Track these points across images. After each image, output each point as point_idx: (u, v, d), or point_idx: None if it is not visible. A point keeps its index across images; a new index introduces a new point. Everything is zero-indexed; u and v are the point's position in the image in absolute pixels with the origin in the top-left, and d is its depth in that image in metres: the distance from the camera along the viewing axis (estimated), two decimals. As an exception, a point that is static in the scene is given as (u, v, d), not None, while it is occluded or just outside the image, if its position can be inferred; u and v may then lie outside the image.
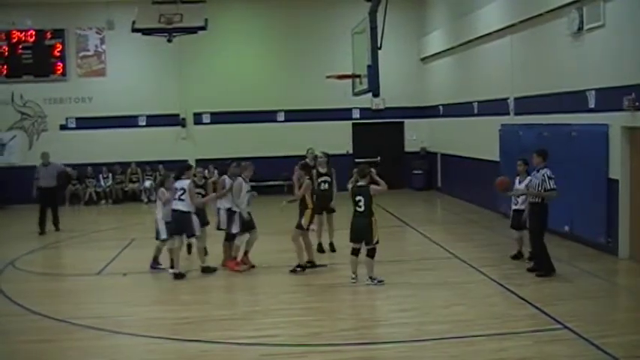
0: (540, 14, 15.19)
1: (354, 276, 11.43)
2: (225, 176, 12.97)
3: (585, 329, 8.54)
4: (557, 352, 7.97)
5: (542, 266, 11.46)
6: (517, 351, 8.02)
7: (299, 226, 12.15)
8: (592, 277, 11.29)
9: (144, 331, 9.24)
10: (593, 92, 13.22)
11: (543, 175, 11.40)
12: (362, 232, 11.18)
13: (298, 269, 12.19)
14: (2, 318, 10.04)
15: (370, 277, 11.31)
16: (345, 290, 11.23)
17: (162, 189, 12.83)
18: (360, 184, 11.26)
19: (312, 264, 12.41)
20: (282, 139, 24.01)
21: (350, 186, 11.42)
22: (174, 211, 12.36)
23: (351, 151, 25.24)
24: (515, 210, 12.75)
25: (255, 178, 23.75)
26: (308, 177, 12.36)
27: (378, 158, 25.11)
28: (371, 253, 11.26)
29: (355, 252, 11.38)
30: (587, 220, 13.27)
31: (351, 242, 11.38)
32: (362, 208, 11.10)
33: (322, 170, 14.23)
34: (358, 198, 11.13)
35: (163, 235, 12.66)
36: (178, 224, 12.34)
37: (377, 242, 11.24)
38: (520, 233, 12.70)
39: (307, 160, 14.64)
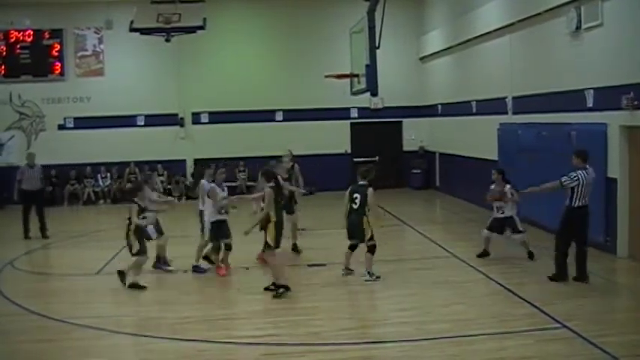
0: (539, 13, 15.19)
1: (344, 267, 11.81)
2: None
3: (584, 328, 8.56)
4: (556, 351, 7.98)
5: (556, 270, 11.06)
6: (517, 350, 8.03)
7: (267, 246, 10.77)
8: (591, 276, 11.26)
9: (143, 330, 9.25)
10: (592, 91, 13.23)
11: (570, 174, 10.87)
12: (354, 230, 11.54)
13: (281, 290, 10.73)
14: (1, 318, 10.04)
15: (368, 272, 11.52)
16: (344, 290, 11.25)
17: (212, 185, 12.26)
18: (360, 182, 11.59)
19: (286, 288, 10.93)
20: (280, 139, 23.92)
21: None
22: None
23: (349, 151, 25.24)
24: (495, 218, 12.90)
25: (254, 177, 23.78)
26: (270, 185, 10.80)
27: (377, 158, 25.15)
28: (370, 250, 11.52)
29: (352, 247, 11.73)
30: (586, 219, 13.27)
31: (348, 239, 11.73)
32: (357, 205, 11.41)
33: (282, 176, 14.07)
34: (355, 195, 11.46)
35: (207, 237, 12.39)
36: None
37: (371, 239, 11.48)
38: (489, 234, 12.91)
39: (284, 162, 14.52)
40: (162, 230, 12.81)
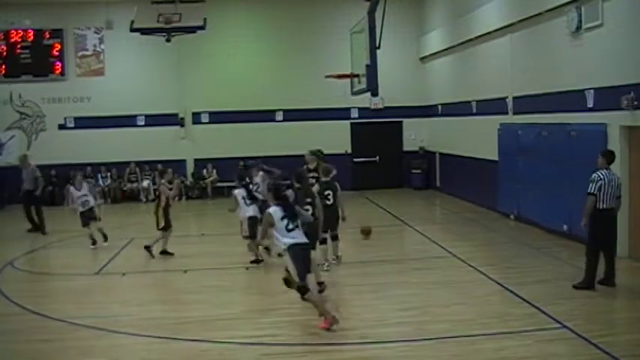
0: (539, 13, 15.20)
1: (327, 264, 12.31)
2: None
3: (584, 328, 8.56)
4: (556, 351, 7.98)
5: (585, 277, 10.65)
6: (517, 350, 8.03)
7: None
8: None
9: (143, 330, 9.23)
10: (592, 91, 13.23)
11: (591, 178, 10.61)
12: (331, 223, 12.25)
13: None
14: (1, 318, 10.05)
15: (336, 256, 12.79)
16: (344, 290, 11.25)
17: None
18: (324, 179, 12.45)
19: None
20: (280, 139, 24.01)
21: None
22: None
23: (349, 151, 25.24)
24: (249, 217, 13.07)
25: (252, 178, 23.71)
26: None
27: (377, 158, 25.20)
28: (336, 237, 12.70)
29: (325, 241, 12.32)
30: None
31: (323, 232, 12.10)
32: (330, 201, 12.24)
33: None
34: (327, 192, 12.27)
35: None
36: None
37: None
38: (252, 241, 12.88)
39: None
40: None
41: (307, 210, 10.70)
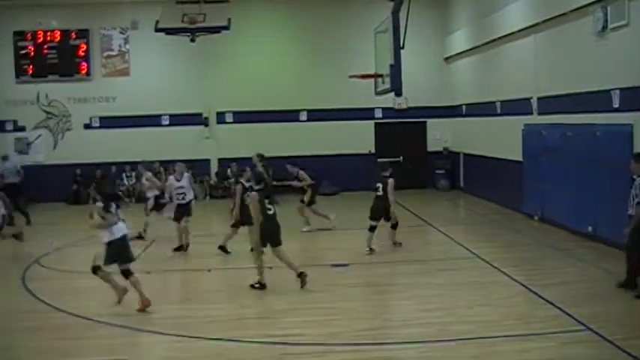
0: (564, 13, 15.09)
1: (368, 249, 13.70)
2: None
3: (609, 331, 8.45)
4: (580, 353, 7.92)
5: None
6: (540, 352, 7.97)
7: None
8: (616, 278, 11.14)
9: (168, 329, 9.28)
10: (618, 92, 13.11)
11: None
12: (379, 212, 13.75)
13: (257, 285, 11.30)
14: (29, 315, 10.17)
15: (394, 243, 14.26)
16: (367, 290, 11.25)
17: None
18: (383, 174, 13.86)
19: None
20: (304, 139, 24.04)
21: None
22: None
23: (373, 151, 25.20)
24: (179, 204, 14.76)
25: (277, 177, 23.89)
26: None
27: (401, 158, 25.11)
28: (394, 227, 14.11)
29: (372, 229, 13.76)
30: (611, 220, 13.12)
31: (371, 220, 13.78)
32: (380, 193, 13.74)
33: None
34: (378, 185, 13.81)
35: None
36: None
37: (394, 218, 13.93)
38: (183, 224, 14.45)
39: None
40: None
41: (269, 210, 10.99)
